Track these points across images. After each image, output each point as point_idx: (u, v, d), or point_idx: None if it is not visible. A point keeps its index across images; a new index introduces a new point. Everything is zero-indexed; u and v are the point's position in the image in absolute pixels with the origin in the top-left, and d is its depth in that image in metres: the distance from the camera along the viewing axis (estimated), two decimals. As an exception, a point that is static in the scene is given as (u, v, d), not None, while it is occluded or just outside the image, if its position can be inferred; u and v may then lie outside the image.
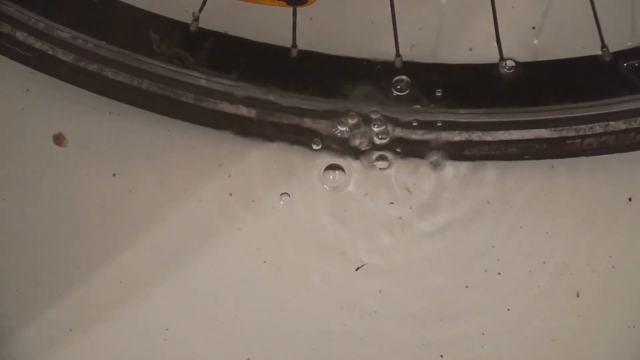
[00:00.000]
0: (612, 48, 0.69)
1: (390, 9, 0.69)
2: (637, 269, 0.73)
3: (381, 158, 0.74)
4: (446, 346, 0.73)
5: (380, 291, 0.73)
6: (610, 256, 0.73)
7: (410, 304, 0.73)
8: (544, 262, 0.73)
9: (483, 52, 0.74)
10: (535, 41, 0.74)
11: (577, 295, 0.72)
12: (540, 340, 0.73)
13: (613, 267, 0.73)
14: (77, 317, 0.74)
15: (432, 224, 0.74)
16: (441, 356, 0.73)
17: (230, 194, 0.75)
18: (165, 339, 0.74)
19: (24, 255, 0.75)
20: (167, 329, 0.74)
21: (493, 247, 0.73)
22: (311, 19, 0.75)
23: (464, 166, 0.74)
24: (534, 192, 0.74)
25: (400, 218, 0.74)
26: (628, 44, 0.72)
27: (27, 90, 0.76)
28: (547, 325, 0.73)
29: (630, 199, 0.73)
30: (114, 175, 0.75)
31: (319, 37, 0.75)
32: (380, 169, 0.74)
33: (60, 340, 0.74)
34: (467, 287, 0.73)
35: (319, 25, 0.75)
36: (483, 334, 0.73)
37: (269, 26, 0.74)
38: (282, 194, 0.75)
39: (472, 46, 0.74)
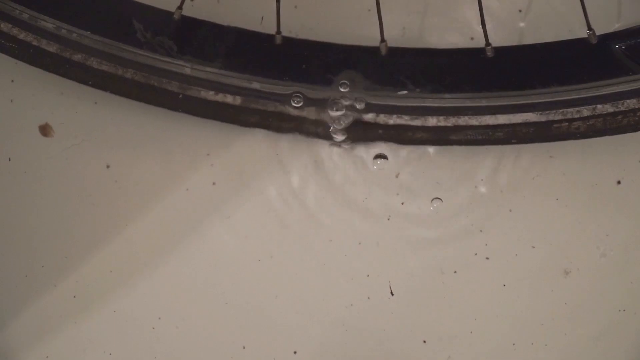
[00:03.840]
0: (599, 31, 0.69)
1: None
2: (627, 253, 0.73)
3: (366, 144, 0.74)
4: (434, 331, 0.73)
5: (368, 276, 0.73)
6: (600, 240, 0.73)
7: (398, 287, 0.73)
8: (533, 247, 0.73)
9: (469, 36, 0.73)
10: (522, 24, 0.73)
11: (566, 273, 0.72)
12: (529, 324, 0.73)
13: (603, 250, 0.73)
14: (68, 307, 0.74)
15: (419, 208, 0.74)
16: (424, 342, 0.73)
17: (214, 183, 0.75)
18: (154, 328, 0.74)
19: (13, 246, 0.75)
20: (159, 318, 0.74)
21: (481, 231, 0.73)
22: (295, 7, 0.75)
23: (451, 151, 0.73)
24: (522, 176, 0.73)
25: (388, 203, 0.74)
26: (615, 27, 0.71)
27: (12, 81, 0.76)
28: (537, 310, 0.73)
29: (619, 182, 0.73)
30: (103, 165, 0.75)
31: (305, 24, 0.74)
32: (371, 156, 0.74)
33: (50, 330, 0.74)
34: (455, 272, 0.73)
35: (305, 12, 0.75)
36: (474, 319, 0.73)
37: (255, 13, 0.74)
38: (270, 181, 0.74)
39: (458, 30, 0.74)
